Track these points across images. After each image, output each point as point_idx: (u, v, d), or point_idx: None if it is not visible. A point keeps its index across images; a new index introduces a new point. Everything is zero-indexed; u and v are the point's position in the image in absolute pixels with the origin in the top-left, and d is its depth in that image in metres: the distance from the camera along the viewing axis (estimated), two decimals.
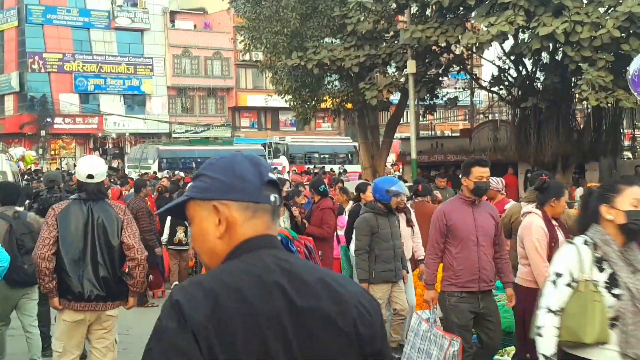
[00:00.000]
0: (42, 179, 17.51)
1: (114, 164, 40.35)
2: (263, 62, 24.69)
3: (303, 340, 1.68)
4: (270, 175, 1.84)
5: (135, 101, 50.91)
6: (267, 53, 22.84)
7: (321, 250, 8.68)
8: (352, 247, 8.33)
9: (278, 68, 22.41)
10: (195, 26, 54.15)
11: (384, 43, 21.31)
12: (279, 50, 21.89)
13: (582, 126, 21.12)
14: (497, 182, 8.50)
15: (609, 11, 16.69)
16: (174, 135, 49.89)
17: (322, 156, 40.99)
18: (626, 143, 25.52)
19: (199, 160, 35.16)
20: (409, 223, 8.46)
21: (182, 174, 25.68)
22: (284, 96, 23.77)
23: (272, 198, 1.83)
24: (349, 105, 23.11)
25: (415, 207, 9.44)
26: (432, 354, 6.04)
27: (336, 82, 23.70)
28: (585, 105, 20.06)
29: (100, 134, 48.70)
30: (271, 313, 1.66)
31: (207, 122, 51.87)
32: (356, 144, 31.69)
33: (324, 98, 23.50)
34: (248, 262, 1.73)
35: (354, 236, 8.07)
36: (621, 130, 22.13)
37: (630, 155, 26.81)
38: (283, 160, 34.95)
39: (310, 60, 20.35)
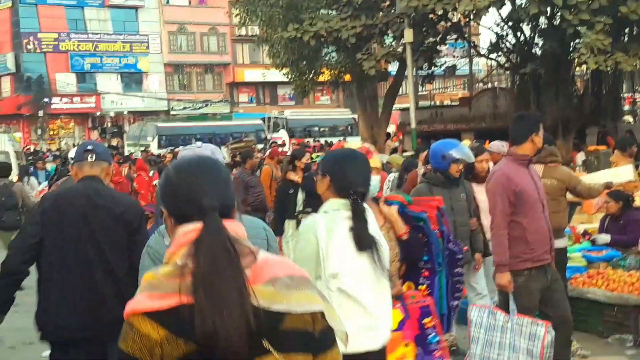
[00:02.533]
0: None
1: (113, 142, 40.26)
2: (259, 36, 24.56)
3: (95, 218, 4.04)
4: (89, 147, 4.26)
5: (132, 79, 50.67)
6: (263, 26, 22.72)
7: None
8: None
9: (275, 41, 22.28)
10: (190, 2, 53.73)
11: (381, 13, 21.16)
12: (275, 23, 21.76)
13: (581, 91, 21.04)
14: (503, 146, 8.29)
15: None
16: (172, 112, 49.78)
17: (321, 129, 40.92)
18: (626, 107, 25.43)
19: (198, 136, 35.04)
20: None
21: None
22: (282, 69, 23.67)
23: (88, 157, 4.18)
24: (347, 77, 23.02)
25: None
26: (520, 347, 5.00)
27: (333, 54, 23.57)
28: (585, 70, 19.97)
29: (98, 113, 48.55)
30: (80, 204, 4.07)
31: (205, 99, 51.68)
32: (355, 116, 31.61)
33: (322, 70, 23.41)
34: (78, 184, 4.20)
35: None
36: (621, 94, 22.05)
37: (630, 119, 26.72)
38: (283, 135, 34.88)
39: (307, 32, 20.23)
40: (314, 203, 7.60)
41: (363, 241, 3.40)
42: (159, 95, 50.40)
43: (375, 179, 4.17)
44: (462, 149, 6.31)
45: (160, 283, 1.75)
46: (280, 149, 17.57)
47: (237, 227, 1.86)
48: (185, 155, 3.17)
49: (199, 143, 3.90)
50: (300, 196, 9.14)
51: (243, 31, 38.81)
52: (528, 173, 5.28)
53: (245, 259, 1.79)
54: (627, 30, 18.14)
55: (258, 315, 1.73)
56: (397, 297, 4.22)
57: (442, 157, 6.17)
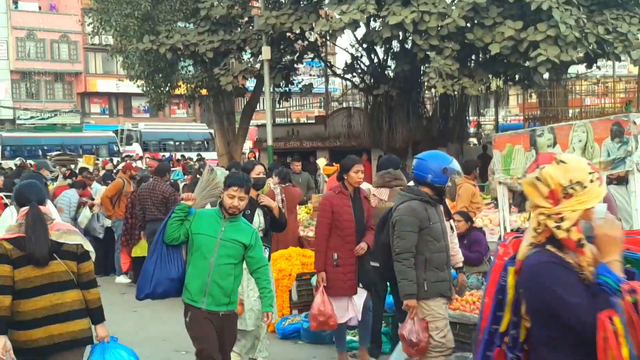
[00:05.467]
0: None
1: None
2: (113, 46, 23.82)
3: None
4: None
5: None
6: (117, 37, 22.05)
7: None
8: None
9: (129, 52, 21.69)
10: (40, 8, 51.54)
11: (239, 28, 21.15)
12: (130, 34, 21.20)
13: (430, 113, 21.89)
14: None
15: (455, 1, 17.34)
16: (18, 121, 47.39)
17: (177, 143, 40.29)
18: (472, 130, 26.71)
19: (45, 147, 33.62)
20: (448, 215, 6.29)
21: (31, 161, 24.74)
22: (136, 81, 23.09)
23: None
24: (204, 91, 22.79)
25: (285, 192, 9.19)
26: None
27: (190, 68, 23.27)
28: (434, 93, 20.79)
29: None
30: None
31: (54, 108, 49.57)
32: (212, 130, 31.33)
33: (178, 84, 23.04)
34: None
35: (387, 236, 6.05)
36: (467, 117, 23.12)
37: (475, 141, 28.10)
38: (136, 148, 34.04)
39: (163, 44, 19.89)
40: (275, 225, 6.99)
41: None
42: (4, 103, 47.82)
43: None
44: (455, 162, 5.99)
45: (11, 228, 4.69)
46: (134, 164, 17.13)
47: (45, 208, 4.77)
48: (22, 182, 5.54)
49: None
50: (259, 219, 6.84)
51: (96, 40, 37.63)
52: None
53: (48, 221, 4.65)
54: (473, 56, 19.07)
55: (52, 243, 4.58)
56: None
57: (443, 171, 5.76)
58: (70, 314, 4.59)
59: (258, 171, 7.06)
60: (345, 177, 6.88)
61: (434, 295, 5.69)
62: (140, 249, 11.46)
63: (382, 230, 6.30)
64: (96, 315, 4.78)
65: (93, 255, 4.80)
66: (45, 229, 4.56)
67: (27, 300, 4.47)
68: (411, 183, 6.65)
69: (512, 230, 6.86)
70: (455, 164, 5.89)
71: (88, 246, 4.75)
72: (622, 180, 6.59)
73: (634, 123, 4.52)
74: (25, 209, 4.65)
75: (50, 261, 4.53)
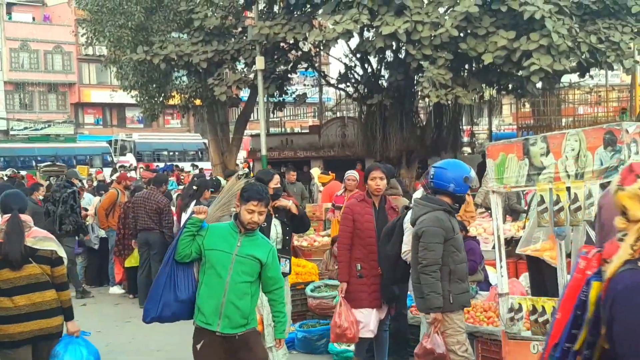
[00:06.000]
0: None
1: None
2: (107, 56, 23.82)
3: None
4: None
5: None
6: (111, 47, 22.04)
7: None
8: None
9: (123, 63, 21.70)
10: (34, 18, 51.55)
11: (233, 39, 21.18)
12: (124, 45, 21.20)
13: (424, 123, 21.93)
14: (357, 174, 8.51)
15: (448, 11, 17.40)
16: (11, 132, 47.30)
17: (171, 153, 40.30)
18: (465, 139, 26.76)
19: (39, 158, 33.56)
20: (464, 229, 6.54)
21: (23, 172, 24.72)
22: (130, 92, 23.09)
23: None
24: (198, 102, 22.80)
25: None
26: None
27: (184, 78, 23.28)
28: (427, 102, 20.84)
29: None
30: None
31: (48, 119, 49.50)
32: (206, 140, 31.32)
33: (172, 94, 23.05)
34: None
35: (407, 246, 6.03)
36: (460, 127, 23.17)
37: (469, 150, 28.15)
38: (130, 158, 34.02)
39: (157, 55, 19.90)
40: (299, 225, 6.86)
41: None
42: None
43: None
44: (473, 171, 5.95)
45: None
46: (129, 174, 17.11)
47: (25, 217, 5.29)
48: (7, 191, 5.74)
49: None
50: (275, 229, 6.58)
51: (90, 51, 37.67)
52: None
53: (26, 228, 5.20)
54: (466, 66, 19.13)
55: (27, 248, 5.16)
56: None
57: (464, 180, 5.68)
58: (50, 311, 5.25)
59: (276, 181, 6.65)
60: (367, 185, 6.73)
61: (458, 307, 5.62)
62: (134, 259, 11.43)
63: (389, 241, 6.24)
64: (68, 313, 5.43)
65: (66, 261, 5.47)
66: (21, 235, 5.16)
67: (9, 298, 5.11)
68: (418, 193, 6.59)
69: (506, 239, 6.87)
70: (474, 173, 5.86)
71: (62, 252, 5.38)
72: None
73: (627, 132, 4.54)
74: (6, 216, 5.25)
75: (25, 264, 5.15)
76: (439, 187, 5.69)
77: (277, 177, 6.74)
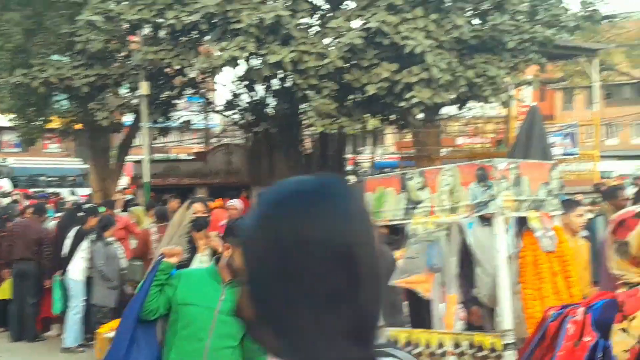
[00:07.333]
0: None
1: None
2: None
3: None
4: None
5: None
6: None
7: None
8: None
9: (0, 85, 20.87)
10: None
11: (116, 63, 20.74)
12: (1, 67, 20.42)
13: (310, 151, 22.15)
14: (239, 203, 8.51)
15: (333, 42, 17.71)
16: None
17: (49, 179, 38.87)
18: (350, 167, 27.20)
19: None
20: None
21: None
22: (7, 115, 22.22)
23: None
24: (79, 126, 22.17)
25: (162, 232, 8.92)
26: None
27: (65, 102, 22.59)
28: (313, 131, 21.08)
29: None
30: None
31: None
32: (87, 166, 30.41)
33: (52, 118, 22.31)
34: None
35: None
36: (345, 155, 23.56)
37: (354, 178, 28.58)
38: (5, 183, 32.58)
39: (36, 78, 19.20)
40: None
41: None
42: None
43: None
44: None
45: None
46: (3, 200, 16.38)
47: None
48: None
49: None
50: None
51: None
52: None
53: None
54: (351, 96, 19.49)
55: None
56: None
57: None
58: None
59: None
60: None
61: None
62: (4, 291, 10.91)
63: None
64: None
65: None
66: None
67: None
68: None
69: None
70: None
71: None
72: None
73: (497, 168, 4.74)
74: None
75: None
76: None
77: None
